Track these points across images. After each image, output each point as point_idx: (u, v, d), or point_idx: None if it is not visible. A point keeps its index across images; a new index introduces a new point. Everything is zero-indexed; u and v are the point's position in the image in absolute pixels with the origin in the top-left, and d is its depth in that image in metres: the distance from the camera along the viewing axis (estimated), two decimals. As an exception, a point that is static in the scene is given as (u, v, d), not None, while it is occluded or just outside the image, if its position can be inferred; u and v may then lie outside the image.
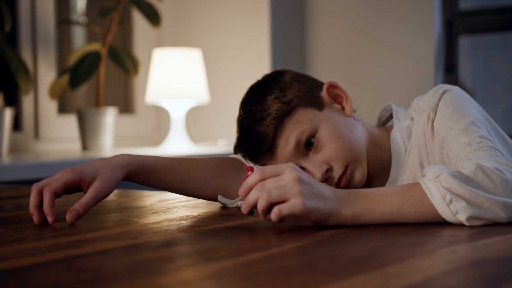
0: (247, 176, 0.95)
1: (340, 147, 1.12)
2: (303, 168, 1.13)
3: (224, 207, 1.18)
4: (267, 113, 1.13)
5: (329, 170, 1.12)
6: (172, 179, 1.13)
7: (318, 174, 1.11)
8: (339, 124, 1.15)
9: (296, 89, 1.16)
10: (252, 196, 0.91)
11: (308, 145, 1.13)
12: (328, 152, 1.12)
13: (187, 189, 1.16)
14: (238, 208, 0.95)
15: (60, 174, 1.03)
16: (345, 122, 1.16)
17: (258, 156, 1.15)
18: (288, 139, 1.12)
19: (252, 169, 0.98)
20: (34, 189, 1.02)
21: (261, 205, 0.90)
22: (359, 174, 1.13)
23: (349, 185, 1.12)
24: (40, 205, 1.01)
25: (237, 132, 1.19)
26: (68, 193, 1.05)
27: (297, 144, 1.12)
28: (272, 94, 1.15)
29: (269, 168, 0.93)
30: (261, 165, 1.17)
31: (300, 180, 0.90)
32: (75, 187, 1.04)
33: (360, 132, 1.17)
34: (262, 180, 0.92)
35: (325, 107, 1.16)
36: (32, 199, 1.01)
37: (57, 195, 1.02)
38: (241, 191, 0.93)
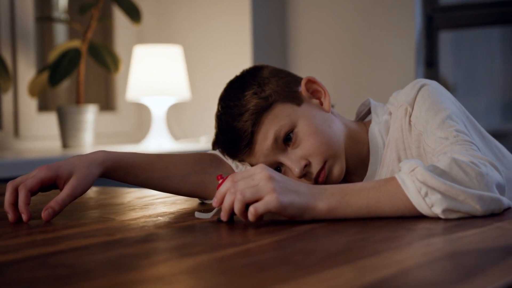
0: (219, 185, 0.95)
1: (319, 142, 1.12)
2: (281, 164, 1.13)
3: (202, 203, 1.18)
4: (245, 108, 1.13)
5: (308, 165, 1.12)
6: (150, 176, 1.13)
7: (297, 170, 1.11)
8: (317, 120, 1.15)
9: (274, 84, 1.15)
10: (227, 201, 0.92)
11: (286, 140, 1.13)
12: (306, 147, 1.12)
13: (166, 185, 1.15)
14: (219, 220, 0.95)
15: (36, 172, 1.02)
16: (323, 117, 1.16)
17: (236, 152, 1.15)
18: (267, 134, 1.12)
19: (221, 177, 0.98)
20: (9, 187, 1.01)
21: (237, 207, 0.90)
22: (337, 169, 1.13)
23: (327, 181, 1.12)
24: (15, 203, 1.00)
25: (215, 128, 1.19)
26: (44, 191, 1.04)
27: (276, 140, 1.12)
28: (250, 90, 1.14)
29: (239, 173, 0.93)
30: (240, 161, 1.17)
31: (271, 178, 0.91)
32: (51, 184, 1.03)
33: (338, 127, 1.17)
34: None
35: (303, 103, 1.16)
36: (7, 197, 1.00)
37: (32, 192, 1.01)
38: (215, 201, 0.94)
